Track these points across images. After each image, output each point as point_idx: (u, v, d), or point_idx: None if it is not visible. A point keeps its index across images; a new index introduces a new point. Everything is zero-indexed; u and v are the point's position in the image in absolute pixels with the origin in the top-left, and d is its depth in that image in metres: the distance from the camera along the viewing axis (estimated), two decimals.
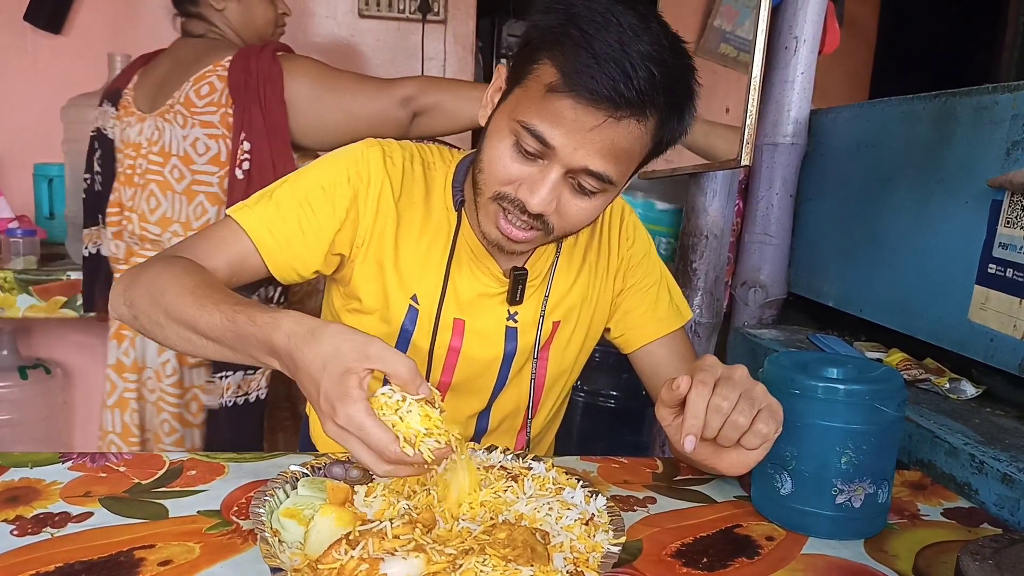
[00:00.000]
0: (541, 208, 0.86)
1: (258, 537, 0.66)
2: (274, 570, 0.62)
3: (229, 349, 0.79)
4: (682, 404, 0.79)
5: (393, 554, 0.61)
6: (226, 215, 0.96)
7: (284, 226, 0.95)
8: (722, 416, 0.75)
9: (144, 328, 0.87)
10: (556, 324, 1.07)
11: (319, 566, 0.61)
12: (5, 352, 2.44)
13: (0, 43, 2.49)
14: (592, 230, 1.11)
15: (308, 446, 1.18)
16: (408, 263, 1.01)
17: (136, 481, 0.81)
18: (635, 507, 0.84)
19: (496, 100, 0.91)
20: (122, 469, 0.84)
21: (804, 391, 0.80)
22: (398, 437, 0.66)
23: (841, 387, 0.79)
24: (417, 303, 1.01)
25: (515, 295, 1.02)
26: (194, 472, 0.84)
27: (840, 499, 0.80)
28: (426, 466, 0.68)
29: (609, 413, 1.90)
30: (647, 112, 0.81)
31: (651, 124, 0.83)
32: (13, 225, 2.24)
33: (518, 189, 0.87)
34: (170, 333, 0.84)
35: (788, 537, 0.80)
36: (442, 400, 0.71)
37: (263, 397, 1.53)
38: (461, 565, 0.62)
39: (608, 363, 1.90)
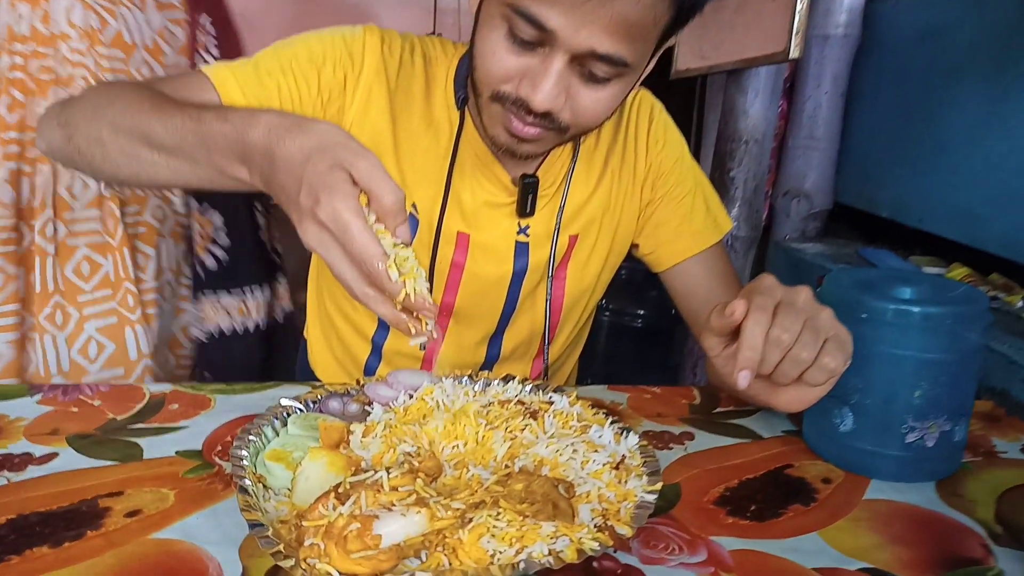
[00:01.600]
0: (547, 105, 0.73)
1: (236, 486, 0.57)
2: (252, 524, 0.53)
3: (187, 160, 0.67)
4: (734, 333, 0.67)
5: (390, 509, 0.52)
6: (198, 70, 0.83)
7: (260, 90, 0.82)
8: (782, 349, 0.64)
9: (78, 148, 0.73)
10: (573, 238, 0.96)
11: (303, 523, 0.52)
12: None
13: None
14: (615, 130, 0.97)
15: (307, 374, 1.09)
16: (405, 167, 0.89)
17: (111, 417, 0.73)
18: (671, 444, 0.74)
19: None
20: (96, 403, 0.75)
21: (872, 314, 0.69)
22: (387, 254, 0.57)
23: (916, 310, 0.68)
24: (417, 212, 0.90)
25: (525, 206, 0.91)
26: (176, 406, 0.75)
27: (911, 437, 0.69)
28: (412, 308, 0.59)
29: (636, 333, 1.80)
30: None
31: None
32: None
33: (518, 86, 0.74)
34: (112, 150, 0.70)
35: (847, 480, 0.70)
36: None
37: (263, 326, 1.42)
38: (471, 520, 0.53)
39: (635, 280, 1.79)
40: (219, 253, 1.37)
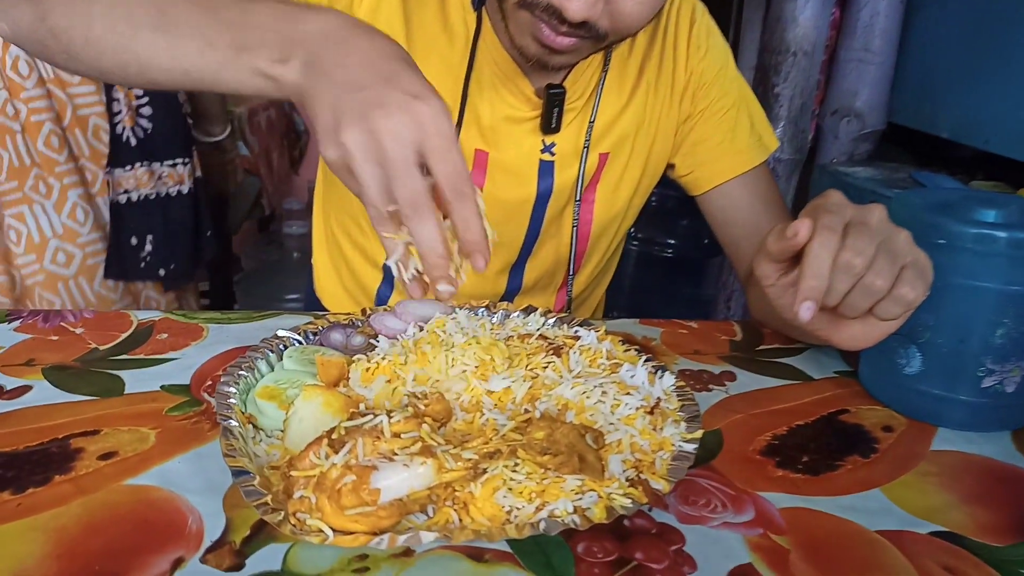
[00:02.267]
0: (584, 14, 0.64)
1: (220, 427, 0.50)
2: (236, 472, 0.46)
3: (199, 41, 0.55)
4: (793, 259, 0.59)
5: (391, 459, 0.45)
6: None
7: None
8: (853, 276, 0.54)
9: (52, 31, 0.60)
10: (604, 157, 0.86)
11: (291, 472, 0.45)
12: None
13: None
14: (652, 36, 0.86)
15: (313, 304, 1.02)
16: None
17: (92, 346, 0.66)
18: (710, 386, 0.67)
19: None
20: (79, 331, 0.69)
21: (950, 240, 0.60)
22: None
23: (1002, 235, 0.58)
24: None
25: (550, 121, 0.81)
26: (165, 335, 0.69)
27: (987, 382, 0.61)
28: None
29: (666, 264, 1.71)
30: None
31: None
32: None
33: None
34: (101, 29, 0.58)
35: (910, 427, 0.62)
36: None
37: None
38: (484, 472, 0.46)
39: (665, 206, 1.69)
40: (145, 124, 1.34)
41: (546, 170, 0.84)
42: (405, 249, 0.51)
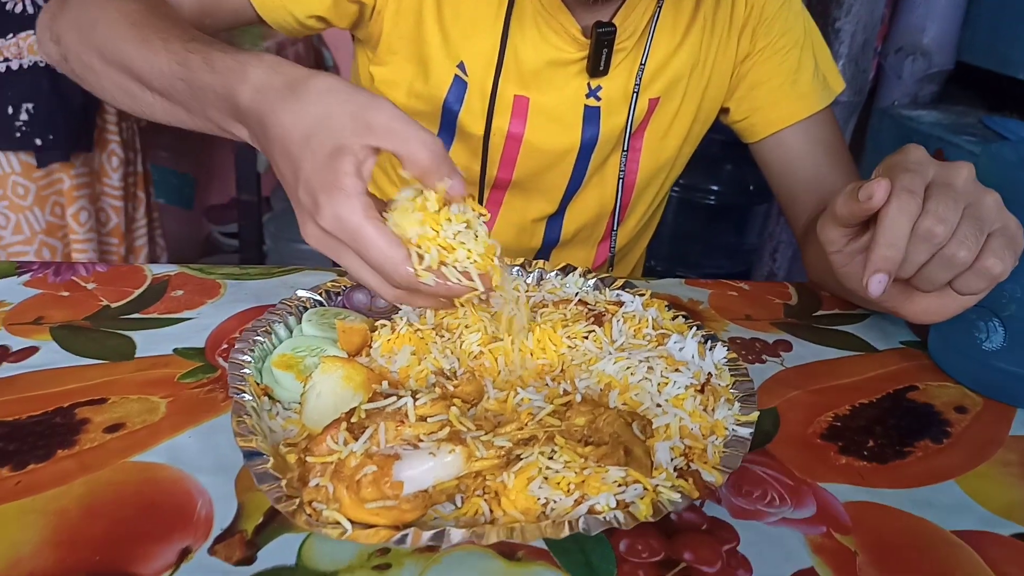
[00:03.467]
0: None
1: (231, 403, 0.46)
2: (249, 454, 0.42)
3: (182, 108, 0.55)
4: (864, 223, 0.52)
5: (416, 446, 0.41)
6: None
7: None
8: (933, 246, 0.48)
9: (74, 72, 0.65)
10: (654, 102, 0.79)
11: (307, 458, 0.41)
12: None
13: None
14: None
15: None
16: (448, 17, 0.73)
17: (104, 304, 0.63)
18: (764, 356, 0.61)
19: None
20: (91, 286, 0.65)
21: None
22: (410, 253, 0.44)
23: None
24: (465, 73, 0.75)
25: (598, 63, 0.74)
26: (180, 292, 0.65)
27: None
28: (454, 295, 0.46)
29: (707, 211, 1.64)
30: None
31: None
32: None
33: None
34: (107, 83, 0.61)
35: (987, 408, 0.56)
36: (485, 211, 0.48)
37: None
38: (519, 457, 0.41)
39: (709, 151, 1.59)
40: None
41: (591, 117, 0.77)
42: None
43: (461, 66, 0.75)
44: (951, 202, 0.48)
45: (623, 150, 0.79)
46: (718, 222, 1.64)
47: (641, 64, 0.76)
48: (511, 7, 0.72)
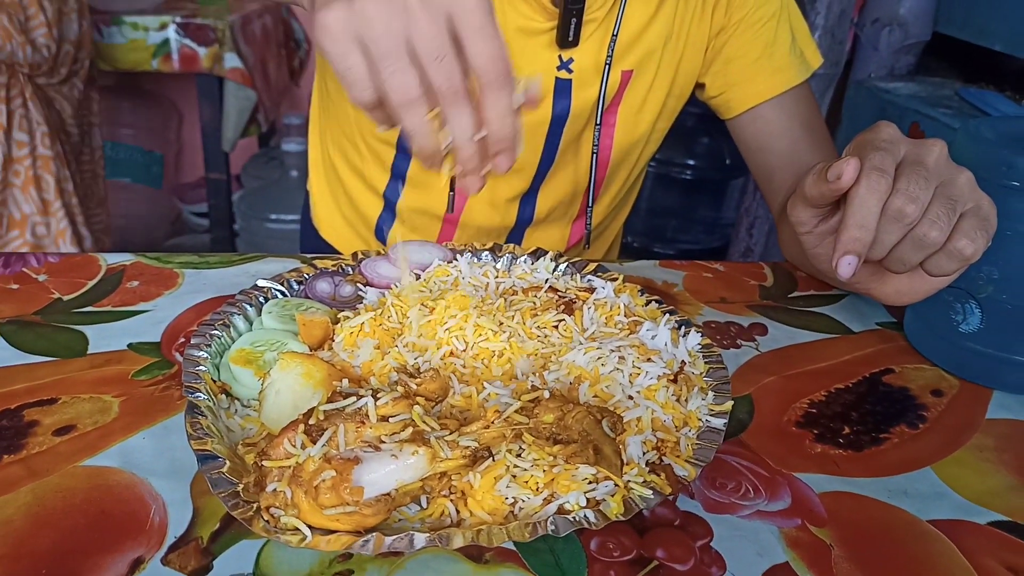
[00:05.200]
0: None
1: (186, 402, 0.44)
2: (203, 457, 0.40)
3: None
4: (836, 203, 0.51)
5: (378, 448, 0.39)
6: None
7: None
8: (904, 226, 0.47)
9: None
10: (627, 75, 0.77)
11: (263, 462, 0.39)
12: None
13: None
14: None
15: (311, 234, 0.95)
16: None
17: (55, 296, 0.60)
18: (739, 341, 0.60)
19: None
20: (42, 278, 0.62)
21: None
22: None
23: None
24: None
25: (567, 33, 0.72)
26: (136, 283, 0.62)
27: None
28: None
29: (683, 185, 1.62)
30: None
31: None
32: None
33: None
34: None
35: (963, 392, 0.56)
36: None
37: None
38: (485, 459, 0.40)
39: (685, 125, 1.58)
40: None
41: (563, 89, 0.75)
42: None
43: None
44: (922, 181, 0.47)
45: (596, 124, 0.77)
46: (695, 197, 1.63)
47: (613, 35, 0.73)
48: None
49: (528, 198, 0.82)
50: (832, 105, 1.36)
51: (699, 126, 1.58)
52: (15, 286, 0.61)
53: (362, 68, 0.41)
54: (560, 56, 0.74)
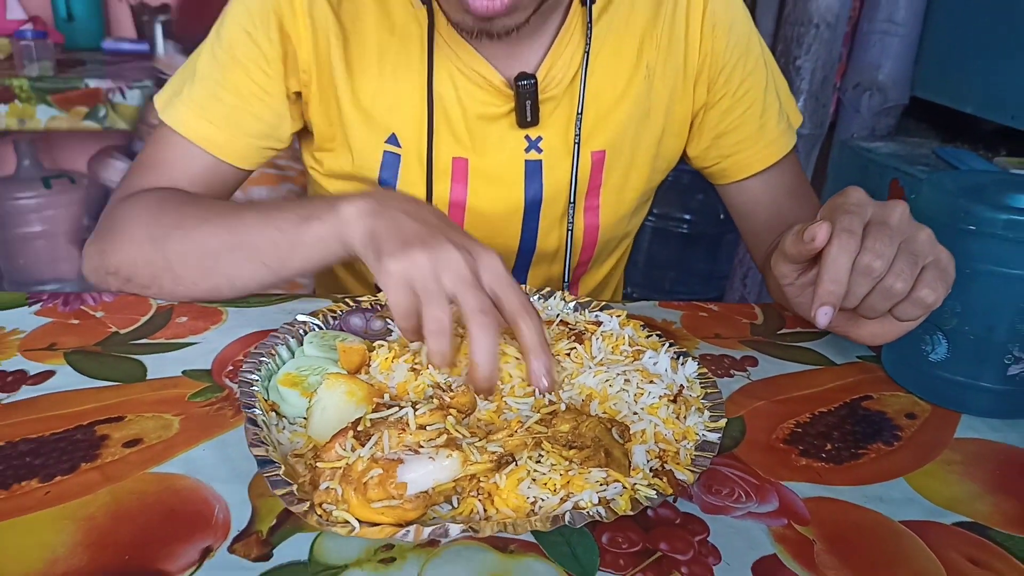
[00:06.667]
0: None
1: (244, 415, 0.50)
2: (261, 462, 0.46)
3: (272, 236, 0.63)
4: (813, 260, 0.57)
5: (417, 452, 0.45)
6: (160, 121, 0.74)
7: (225, 109, 0.73)
8: (872, 280, 0.53)
9: (144, 286, 0.71)
10: (599, 156, 0.78)
11: (317, 464, 0.45)
12: (27, 163, 2.34)
13: None
14: (655, 10, 0.76)
15: (333, 281, 1.01)
16: (372, 93, 0.74)
17: (113, 330, 0.66)
18: (732, 371, 0.66)
19: None
20: (99, 315, 0.69)
21: (981, 226, 0.58)
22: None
23: None
24: (398, 145, 0.75)
25: (525, 114, 0.73)
26: (184, 319, 0.69)
27: (1014, 370, 0.60)
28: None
29: (681, 240, 1.70)
30: None
31: None
32: (25, 27, 2.05)
33: None
34: (182, 271, 0.68)
35: (935, 415, 0.62)
36: None
37: None
38: (509, 464, 0.46)
39: (680, 182, 1.67)
40: None
41: (533, 171, 0.77)
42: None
43: (393, 139, 0.75)
44: (887, 239, 0.53)
45: (571, 204, 0.78)
46: (692, 249, 1.70)
47: (578, 114, 0.75)
48: (431, 69, 0.72)
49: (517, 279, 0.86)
50: (818, 164, 1.45)
51: (694, 183, 1.67)
52: (75, 321, 0.68)
53: (409, 304, 0.52)
54: (528, 136, 0.76)
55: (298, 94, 0.76)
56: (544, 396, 0.52)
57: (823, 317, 0.53)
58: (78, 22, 2.39)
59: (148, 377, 0.60)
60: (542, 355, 0.51)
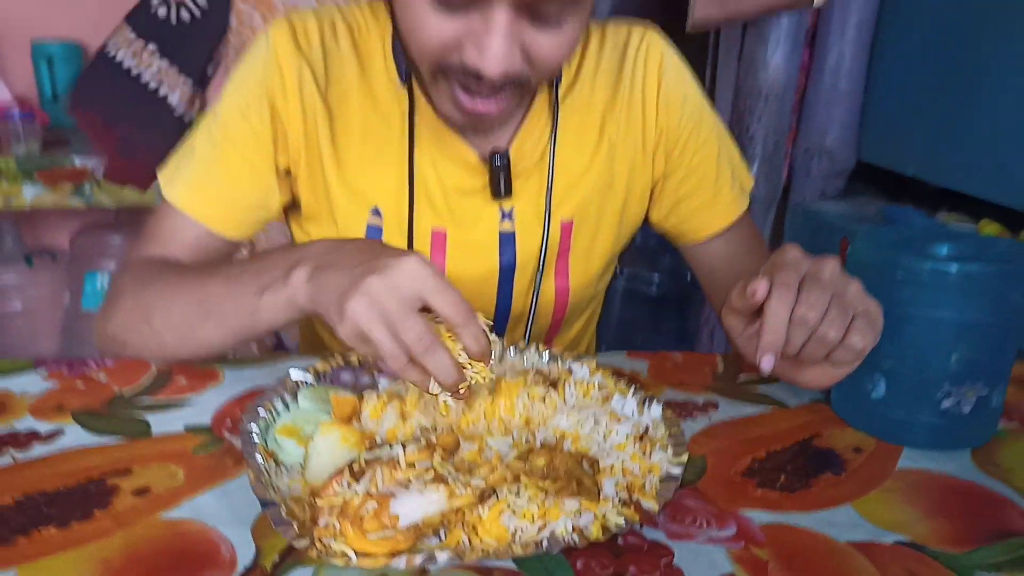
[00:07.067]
0: (501, 68, 0.64)
1: (245, 464, 0.55)
2: (265, 503, 0.51)
3: (237, 306, 0.67)
4: (757, 311, 0.64)
5: (407, 487, 0.50)
6: (162, 199, 0.81)
7: (220, 184, 0.79)
8: (808, 329, 0.60)
9: (137, 351, 0.76)
10: (568, 226, 0.84)
11: (317, 501, 0.50)
12: (9, 241, 2.37)
13: None
14: (614, 87, 0.84)
15: (314, 344, 1.06)
16: (356, 168, 0.80)
17: (117, 392, 0.71)
18: (694, 414, 0.72)
19: None
20: (102, 378, 0.73)
21: (908, 275, 0.65)
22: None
23: (954, 268, 0.64)
24: (380, 217, 0.81)
25: (499, 188, 0.80)
26: (183, 379, 0.73)
27: (946, 404, 0.66)
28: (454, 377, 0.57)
29: (651, 299, 1.77)
30: None
31: None
32: (11, 109, 2.12)
33: (462, 52, 0.65)
34: (165, 337, 0.73)
35: (879, 448, 0.67)
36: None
37: None
38: (491, 496, 0.51)
39: (648, 244, 1.75)
40: None
41: (507, 240, 0.83)
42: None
43: (375, 211, 0.81)
44: (820, 292, 0.60)
45: (539, 271, 0.83)
46: (661, 308, 1.78)
47: (548, 186, 0.81)
48: (412, 147, 0.78)
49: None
50: (775, 223, 1.54)
51: (662, 245, 1.75)
52: (80, 384, 0.72)
53: (386, 335, 0.55)
54: (502, 208, 0.82)
55: (287, 170, 0.82)
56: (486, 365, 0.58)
57: (766, 363, 0.59)
58: (63, 101, 2.46)
59: (152, 433, 0.64)
60: (471, 324, 0.56)
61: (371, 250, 0.60)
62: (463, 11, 0.63)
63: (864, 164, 1.48)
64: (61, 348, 2.38)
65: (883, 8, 1.40)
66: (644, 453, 0.58)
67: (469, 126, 0.73)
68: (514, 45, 0.64)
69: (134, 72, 1.45)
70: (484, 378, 0.58)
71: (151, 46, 1.46)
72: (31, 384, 0.71)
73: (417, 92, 0.79)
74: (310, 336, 1.00)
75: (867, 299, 0.62)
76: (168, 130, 1.54)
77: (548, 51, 0.67)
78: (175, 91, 1.48)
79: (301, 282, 0.61)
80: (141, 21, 1.48)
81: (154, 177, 0.83)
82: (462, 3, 0.63)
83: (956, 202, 1.29)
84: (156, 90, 1.49)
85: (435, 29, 0.65)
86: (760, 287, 0.60)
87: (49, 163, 1.99)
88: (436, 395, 0.57)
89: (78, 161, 2.00)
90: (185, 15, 1.39)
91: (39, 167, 1.98)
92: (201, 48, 1.45)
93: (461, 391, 0.57)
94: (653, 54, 0.85)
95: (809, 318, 0.59)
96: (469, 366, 0.57)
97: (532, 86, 0.71)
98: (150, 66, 1.50)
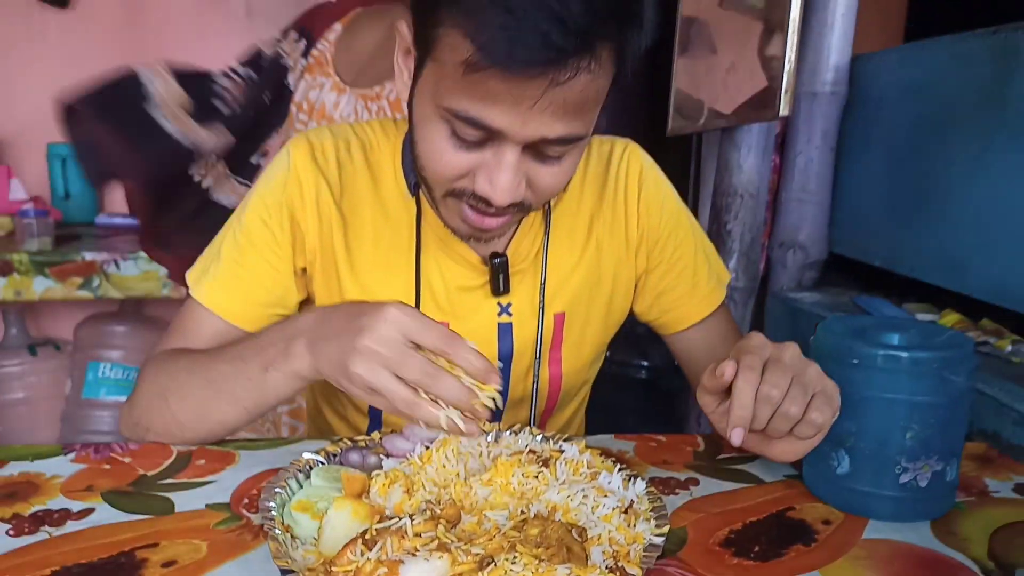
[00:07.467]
0: (508, 198, 0.73)
1: (267, 534, 0.60)
2: (284, 571, 0.56)
3: (246, 387, 0.76)
4: (727, 390, 0.71)
5: (414, 554, 0.55)
6: (188, 296, 0.90)
7: (242, 284, 0.87)
8: (772, 406, 0.67)
9: (159, 435, 0.83)
10: (560, 317, 0.92)
11: (333, 568, 0.55)
12: (14, 331, 2.43)
13: (7, 21, 2.44)
14: (599, 194, 0.94)
15: (323, 430, 1.12)
16: (368, 270, 0.89)
17: (141, 473, 0.76)
18: (676, 490, 0.78)
19: (410, 68, 0.76)
20: (127, 460, 0.79)
21: (863, 360, 0.73)
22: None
23: (905, 355, 0.71)
24: None
25: (498, 285, 0.89)
26: (202, 461, 0.79)
27: (904, 478, 0.72)
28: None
29: (640, 385, 1.83)
30: (596, 48, 0.65)
31: (606, 56, 0.67)
32: (27, 207, 2.22)
33: (474, 180, 0.74)
34: (184, 420, 0.80)
35: (846, 520, 0.73)
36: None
37: None
38: (489, 564, 0.56)
39: (637, 331, 1.82)
40: None
41: (505, 332, 0.91)
42: (445, 415, 0.64)
43: None
44: (782, 373, 0.68)
45: (536, 359, 0.91)
46: (650, 394, 1.84)
47: (542, 283, 0.90)
48: (419, 250, 0.87)
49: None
50: (755, 311, 1.63)
51: (650, 333, 1.82)
52: (107, 467, 0.77)
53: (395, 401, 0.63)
54: (500, 303, 0.91)
55: (304, 270, 0.90)
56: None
57: (736, 436, 0.66)
58: (74, 199, 2.56)
59: (176, 511, 0.69)
60: (460, 348, 0.64)
61: (355, 311, 0.67)
62: (478, 148, 0.72)
63: (835, 256, 1.57)
64: (60, 436, 2.41)
65: (846, 117, 1.53)
66: (629, 524, 0.64)
67: (473, 237, 0.82)
68: (520, 178, 0.73)
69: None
70: (494, 398, 0.64)
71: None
72: (60, 467, 0.77)
73: (424, 202, 0.88)
74: (320, 423, 1.06)
75: (824, 379, 0.69)
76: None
77: (549, 182, 0.76)
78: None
79: (302, 356, 0.71)
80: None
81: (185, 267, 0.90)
82: (477, 141, 0.71)
83: (922, 291, 1.37)
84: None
85: (452, 161, 0.73)
86: (728, 369, 0.68)
87: (60, 258, 2.08)
88: (454, 428, 0.63)
89: (88, 255, 2.09)
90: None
91: (51, 262, 2.06)
92: (251, 145, 1.47)
93: (478, 409, 0.63)
94: (634, 164, 0.95)
95: (773, 395, 0.67)
96: (479, 389, 0.63)
97: (533, 207, 0.81)
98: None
